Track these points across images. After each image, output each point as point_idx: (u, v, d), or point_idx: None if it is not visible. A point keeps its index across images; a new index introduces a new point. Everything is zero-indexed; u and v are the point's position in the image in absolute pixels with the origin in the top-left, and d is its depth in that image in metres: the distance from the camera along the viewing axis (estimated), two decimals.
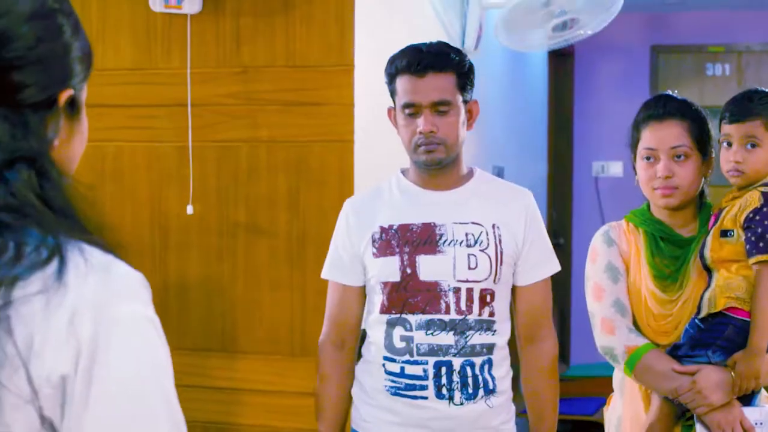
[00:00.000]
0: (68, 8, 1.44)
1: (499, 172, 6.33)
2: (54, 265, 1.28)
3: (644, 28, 9.02)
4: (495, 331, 3.14)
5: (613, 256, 3.25)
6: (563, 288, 8.37)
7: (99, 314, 1.28)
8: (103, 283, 1.32)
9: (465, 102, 3.14)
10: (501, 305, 3.16)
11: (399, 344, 3.13)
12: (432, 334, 3.09)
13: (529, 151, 7.81)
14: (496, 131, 6.33)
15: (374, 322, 3.20)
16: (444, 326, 3.09)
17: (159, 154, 4.25)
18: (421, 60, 3.08)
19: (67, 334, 1.26)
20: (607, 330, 3.18)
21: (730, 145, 3.11)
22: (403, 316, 3.12)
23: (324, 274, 3.32)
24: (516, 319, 3.27)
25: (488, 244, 3.12)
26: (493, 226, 3.14)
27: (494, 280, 3.12)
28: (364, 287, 3.25)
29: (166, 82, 4.22)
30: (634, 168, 3.27)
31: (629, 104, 9.00)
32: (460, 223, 3.13)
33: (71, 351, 1.26)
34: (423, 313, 3.09)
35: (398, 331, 3.13)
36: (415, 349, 3.10)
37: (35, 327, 1.25)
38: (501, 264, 3.13)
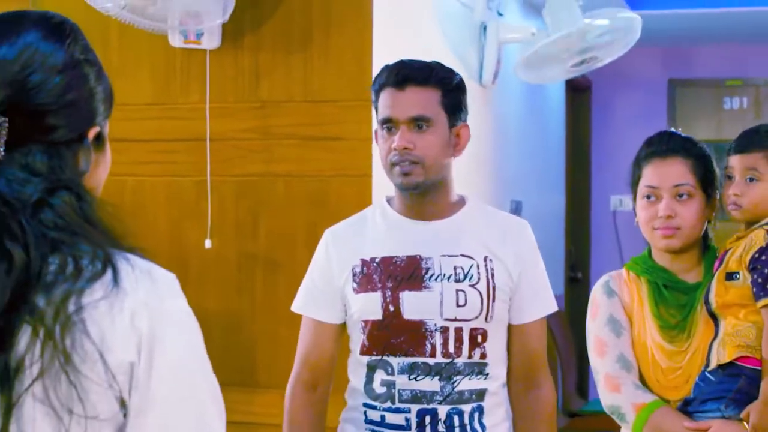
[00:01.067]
0: (93, 58, 1.69)
1: (517, 207, 6.32)
2: (109, 274, 1.54)
3: (662, 61, 9.03)
4: (487, 374, 2.86)
5: (614, 309, 3.05)
6: (581, 322, 8.33)
7: (152, 311, 1.56)
8: (151, 285, 1.59)
9: (452, 124, 2.88)
10: (495, 346, 2.88)
11: (380, 389, 2.85)
12: (415, 378, 2.81)
13: (547, 185, 7.80)
14: (513, 165, 6.33)
15: (354, 364, 2.94)
16: (428, 370, 2.81)
17: (178, 189, 4.27)
18: (401, 72, 2.86)
19: (130, 329, 1.53)
20: (612, 388, 2.98)
21: (731, 178, 3.00)
22: (385, 358, 2.84)
23: (295, 307, 3.06)
24: (509, 362, 2.98)
25: (479, 279, 2.84)
26: (485, 259, 2.87)
27: (486, 318, 2.85)
28: (341, 325, 2.98)
29: (185, 117, 4.24)
30: (634, 208, 3.12)
31: (647, 137, 9.04)
32: (449, 256, 2.86)
33: (134, 343, 1.53)
34: (406, 355, 2.82)
35: (379, 375, 2.85)
36: (397, 396, 2.82)
37: (105, 326, 1.52)
38: (493, 300, 2.85)
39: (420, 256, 2.86)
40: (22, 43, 1.60)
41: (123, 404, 1.55)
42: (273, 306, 4.17)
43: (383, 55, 4.09)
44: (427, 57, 4.85)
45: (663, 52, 9.00)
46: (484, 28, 5.41)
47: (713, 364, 2.87)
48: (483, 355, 2.85)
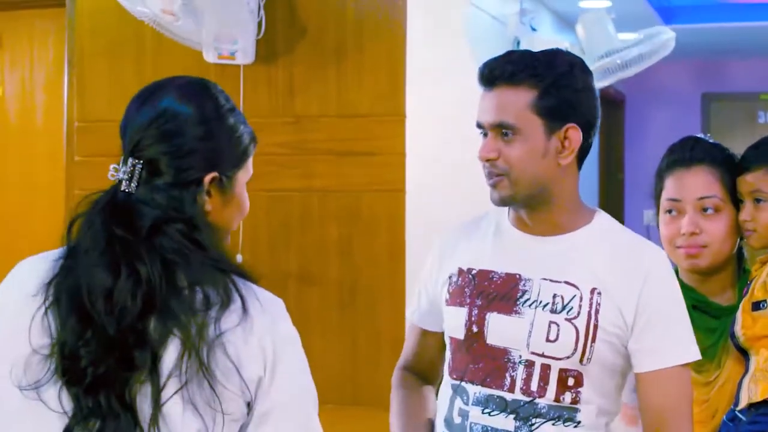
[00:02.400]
0: (226, 116, 2.04)
1: None
2: (238, 302, 1.89)
3: (695, 75, 9.02)
4: (579, 423, 2.41)
5: None
6: None
7: (274, 335, 1.92)
8: (270, 311, 1.95)
9: (552, 129, 2.41)
10: (595, 393, 2.42)
11: (456, 419, 2.49)
12: (489, 413, 2.43)
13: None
14: None
15: (444, 384, 2.58)
16: (504, 406, 2.42)
17: None
18: (492, 67, 2.44)
19: (258, 349, 1.89)
20: (629, 420, 2.64)
21: (742, 202, 2.68)
22: (463, 384, 2.48)
23: (407, 313, 2.78)
24: (642, 419, 2.49)
25: (579, 313, 2.39)
26: (593, 291, 2.40)
27: (581, 360, 2.38)
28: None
29: None
30: (657, 224, 2.79)
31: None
32: (551, 281, 2.43)
33: (262, 360, 1.89)
34: (482, 385, 2.44)
35: (458, 403, 2.49)
36: (468, 429, 2.46)
37: (239, 347, 1.87)
38: (593, 341, 2.38)
39: (520, 275, 2.46)
40: (159, 106, 1.98)
41: (249, 407, 1.90)
42: (306, 320, 4.17)
43: (416, 70, 4.09)
44: (461, 72, 4.87)
45: (696, 66, 8.98)
46: (518, 43, 5.41)
47: (743, 403, 2.54)
48: (575, 401, 2.41)
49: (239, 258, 4.16)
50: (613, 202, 8.86)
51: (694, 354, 2.41)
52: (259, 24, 4.13)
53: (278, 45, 4.19)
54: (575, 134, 2.42)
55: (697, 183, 2.66)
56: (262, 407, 1.90)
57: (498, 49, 2.42)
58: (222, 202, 2.02)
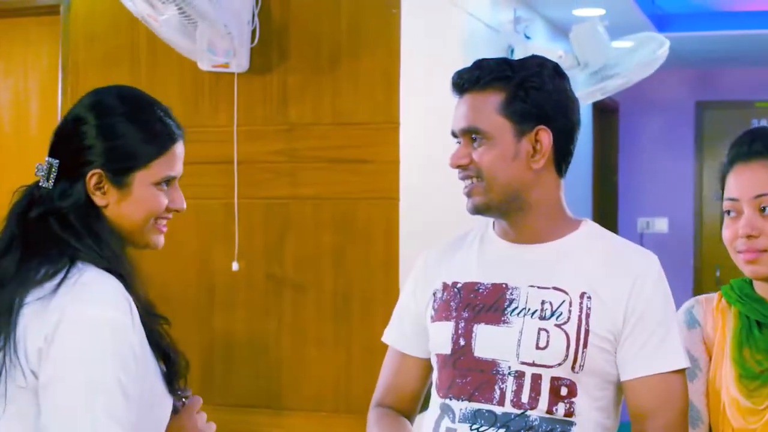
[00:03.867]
0: (101, 117, 2.21)
1: None
2: (56, 281, 2.06)
3: (689, 84, 9.03)
4: None
5: (693, 343, 2.44)
6: None
7: (64, 313, 2.03)
8: (77, 293, 2.05)
9: (522, 132, 2.36)
10: (589, 404, 2.32)
11: None
12: (477, 429, 2.32)
13: (574, 207, 7.74)
14: None
15: (431, 405, 2.47)
16: (493, 421, 2.31)
17: (206, 211, 4.28)
18: (461, 76, 2.43)
19: (44, 323, 2.03)
20: None
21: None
22: (449, 402, 2.38)
23: (384, 337, 2.65)
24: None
25: (568, 319, 2.31)
26: (582, 295, 2.33)
27: (573, 368, 2.29)
28: (427, 360, 2.54)
29: (213, 140, 4.26)
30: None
31: (674, 160, 9.03)
32: (538, 288, 2.36)
33: (44, 333, 2.02)
34: (470, 399, 2.34)
35: (444, 423, 2.38)
36: None
37: (30, 318, 2.04)
38: (584, 347, 2.29)
39: (506, 284, 2.38)
40: (70, 113, 2.25)
41: (35, 376, 2.03)
42: (300, 328, 4.17)
43: (411, 78, 4.10)
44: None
45: (690, 74, 8.99)
46: (512, 51, 5.42)
47: None
48: (569, 413, 2.30)
49: (235, 266, 4.16)
50: (607, 209, 8.86)
51: (682, 361, 2.32)
52: (254, 32, 4.13)
53: (272, 53, 4.19)
54: (546, 136, 2.36)
55: (755, 180, 2.33)
56: (43, 378, 2.02)
57: (492, 57, 2.43)
58: (117, 197, 2.19)
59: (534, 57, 2.45)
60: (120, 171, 2.19)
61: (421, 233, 4.18)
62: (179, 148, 2.29)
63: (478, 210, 2.40)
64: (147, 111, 2.25)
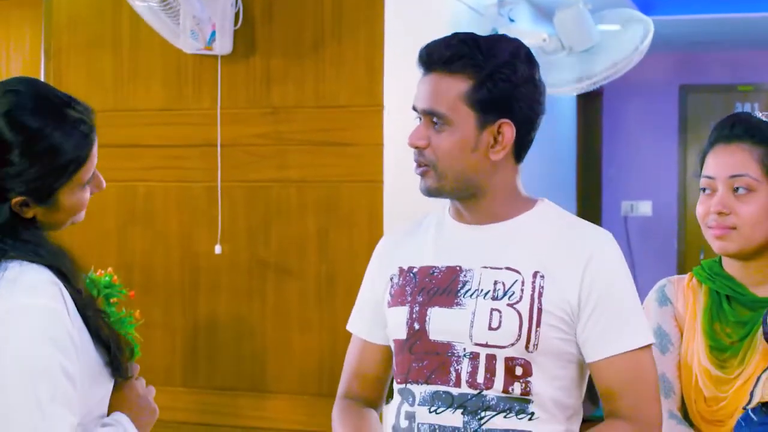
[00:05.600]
0: (10, 138, 2.11)
1: None
2: None
3: (673, 68, 9.03)
4: (532, 415, 2.29)
5: (664, 319, 2.57)
6: None
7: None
8: (12, 287, 2.04)
9: (484, 123, 2.30)
10: (547, 383, 2.30)
11: (403, 423, 2.36)
12: (435, 411, 2.31)
13: (558, 191, 7.80)
14: (523, 171, 6.32)
15: (394, 392, 2.46)
16: (450, 402, 2.30)
17: (189, 194, 4.28)
18: (430, 51, 2.35)
19: None
20: None
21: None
22: (407, 386, 2.36)
23: (348, 325, 2.66)
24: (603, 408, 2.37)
25: (521, 298, 2.28)
26: (535, 274, 2.30)
27: (527, 347, 2.27)
28: (388, 347, 2.51)
29: (197, 123, 4.25)
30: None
31: (658, 143, 9.05)
32: (491, 268, 2.33)
33: None
34: (427, 383, 2.32)
35: (404, 407, 2.37)
36: (416, 431, 2.33)
37: None
38: (538, 326, 2.27)
39: (460, 267, 2.36)
40: None
41: None
42: (284, 311, 4.17)
43: (394, 60, 4.09)
44: None
45: (674, 58, 8.99)
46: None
47: (755, 401, 2.38)
48: (525, 392, 2.28)
49: (218, 249, 4.16)
50: (591, 193, 8.88)
51: (648, 337, 2.31)
52: (237, 14, 4.12)
53: (256, 35, 4.18)
54: (509, 130, 2.32)
55: (732, 161, 2.47)
56: None
57: (464, 32, 2.36)
58: (44, 211, 2.17)
59: (507, 41, 2.36)
60: (44, 196, 2.15)
61: (405, 216, 4.18)
62: (96, 143, 2.21)
63: (429, 193, 2.36)
64: (62, 116, 2.15)
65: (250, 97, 4.20)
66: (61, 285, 2.09)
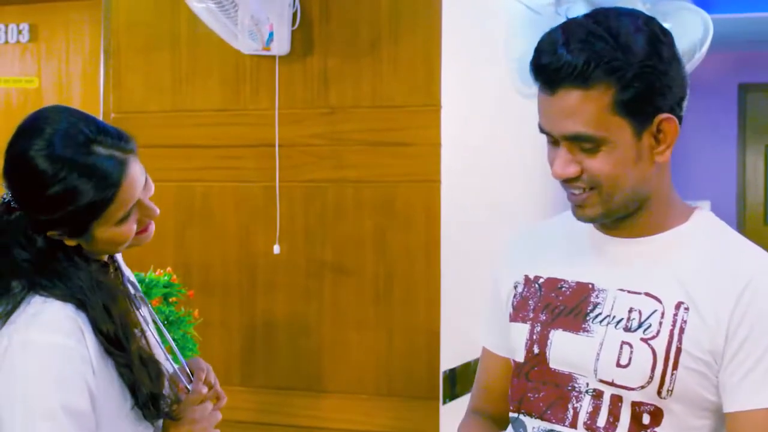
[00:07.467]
0: (36, 182, 2.11)
1: None
2: (9, 308, 2.08)
3: (731, 66, 8.96)
4: None
5: None
6: None
7: (12, 338, 2.04)
8: (26, 322, 2.06)
9: (642, 127, 1.95)
10: None
11: None
12: None
13: None
14: None
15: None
16: None
17: (246, 195, 4.29)
18: (552, 66, 1.91)
19: None
20: None
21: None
22: (520, 416, 2.10)
23: (480, 338, 2.37)
24: None
25: (658, 333, 1.93)
26: (678, 305, 1.94)
27: (659, 392, 1.93)
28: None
29: (254, 123, 4.26)
30: None
31: (717, 143, 8.96)
32: (628, 292, 1.99)
33: None
34: (542, 418, 2.04)
35: None
36: None
37: None
38: (674, 368, 1.92)
39: (593, 285, 2.04)
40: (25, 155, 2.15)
41: None
42: (341, 311, 4.17)
43: (452, 59, 4.08)
44: (496, 61, 4.83)
45: (732, 56, 8.92)
46: None
47: None
48: None
49: (277, 249, 4.17)
50: None
51: None
52: (294, 14, 4.12)
53: (313, 36, 4.19)
54: (670, 125, 1.98)
55: None
56: None
57: (534, 39, 2.05)
58: (83, 242, 2.19)
59: (630, 18, 1.96)
60: (77, 232, 2.15)
61: (463, 217, 4.17)
62: (131, 173, 2.15)
63: (592, 221, 2.04)
64: (84, 155, 2.10)
65: (308, 97, 4.21)
66: (83, 322, 2.08)
